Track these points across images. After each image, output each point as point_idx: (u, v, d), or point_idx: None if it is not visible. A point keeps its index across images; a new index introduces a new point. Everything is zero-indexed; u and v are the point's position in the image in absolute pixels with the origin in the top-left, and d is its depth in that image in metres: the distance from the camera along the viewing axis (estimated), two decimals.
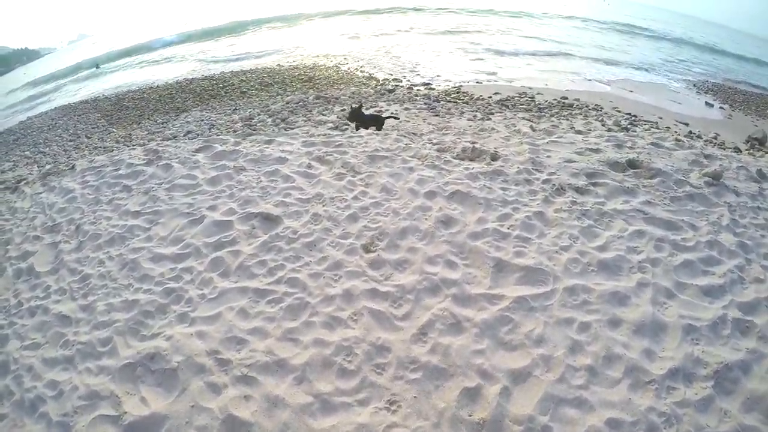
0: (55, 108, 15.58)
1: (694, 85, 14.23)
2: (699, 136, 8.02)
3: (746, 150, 7.78)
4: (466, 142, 6.49)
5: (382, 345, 3.52)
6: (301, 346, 3.58)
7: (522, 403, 3.08)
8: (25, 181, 8.02)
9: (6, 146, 11.29)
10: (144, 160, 6.94)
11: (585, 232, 4.57)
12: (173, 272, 4.56)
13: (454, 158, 6.08)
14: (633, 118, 8.01)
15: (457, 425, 2.95)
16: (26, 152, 10.00)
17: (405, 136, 6.81)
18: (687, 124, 8.37)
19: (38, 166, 8.64)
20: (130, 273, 4.70)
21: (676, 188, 5.29)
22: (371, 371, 3.35)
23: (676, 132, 7.95)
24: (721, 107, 11.20)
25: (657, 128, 6.88)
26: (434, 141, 6.61)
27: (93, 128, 10.39)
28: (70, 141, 9.75)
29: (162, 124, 8.91)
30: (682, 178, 5.48)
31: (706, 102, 11.60)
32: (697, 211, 4.93)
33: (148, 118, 9.91)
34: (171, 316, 4.06)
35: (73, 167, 7.69)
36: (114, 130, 9.57)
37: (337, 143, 6.72)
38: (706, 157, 6.20)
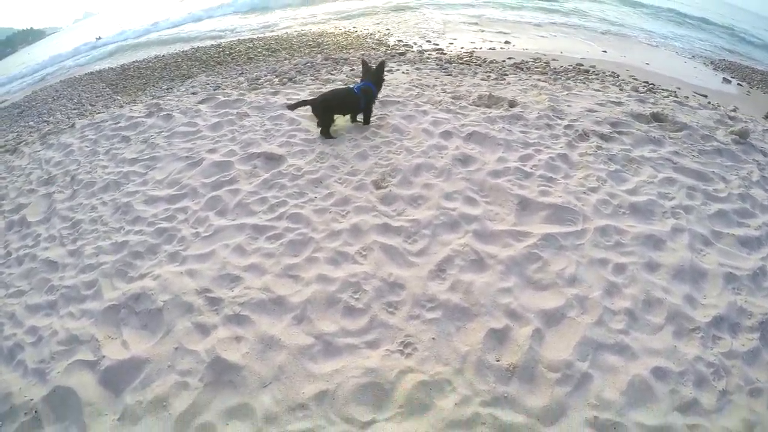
0: (60, 81, 15.12)
1: (711, 62, 13.34)
2: (718, 107, 7.50)
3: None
4: (482, 91, 5.90)
5: (394, 281, 2.97)
6: (302, 282, 3.06)
7: (557, 347, 2.56)
8: (24, 143, 7.64)
9: (10, 119, 10.94)
10: (145, 112, 6.45)
11: (613, 176, 4.09)
12: (167, 212, 4.08)
13: (470, 104, 5.51)
14: (651, 85, 7.47)
15: (483, 371, 2.42)
16: (30, 122, 9.69)
17: (417, 87, 6.22)
18: (705, 96, 7.78)
19: (39, 132, 8.25)
20: (122, 216, 4.24)
21: (703, 143, 4.84)
22: (382, 310, 2.81)
23: (696, 100, 7.45)
24: (739, 84, 10.49)
25: (676, 96, 6.28)
26: (448, 91, 6.03)
27: (97, 97, 10.02)
28: (74, 109, 9.40)
29: (167, 90, 8.50)
30: (709, 134, 5.02)
31: (723, 78, 10.83)
32: (726, 165, 4.49)
33: (153, 86, 9.52)
34: (161, 256, 3.58)
35: (72, 125, 7.27)
36: (118, 97, 9.17)
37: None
38: (731, 118, 5.74)
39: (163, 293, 3.12)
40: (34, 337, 3.19)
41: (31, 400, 2.66)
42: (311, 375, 2.48)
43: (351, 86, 4.99)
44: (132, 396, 2.56)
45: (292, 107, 4.99)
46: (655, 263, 3.17)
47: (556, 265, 3.08)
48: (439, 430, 2.17)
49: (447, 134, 4.68)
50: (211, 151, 4.87)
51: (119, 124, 6.28)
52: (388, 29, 12.86)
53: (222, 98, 6.32)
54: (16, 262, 4.18)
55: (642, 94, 6.49)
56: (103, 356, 2.81)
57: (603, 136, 4.75)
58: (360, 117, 5.07)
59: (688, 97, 7.64)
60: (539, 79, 6.70)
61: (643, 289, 2.94)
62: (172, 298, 3.06)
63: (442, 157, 4.27)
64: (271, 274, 3.15)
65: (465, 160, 4.25)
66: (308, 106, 4.97)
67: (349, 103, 4.88)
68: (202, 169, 4.54)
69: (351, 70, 7.53)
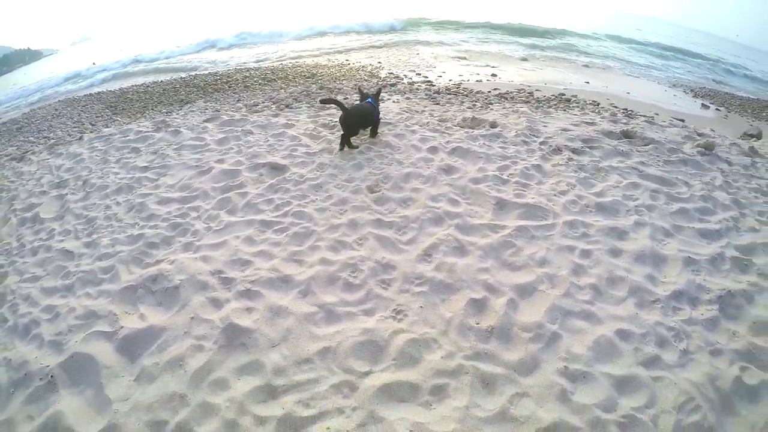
0: (59, 100, 15.37)
1: (691, 90, 13.99)
2: (687, 126, 7.89)
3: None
4: (466, 115, 6.49)
5: (387, 263, 3.41)
6: (306, 265, 3.46)
7: (529, 313, 2.97)
8: (31, 152, 7.92)
9: (9, 134, 11.01)
10: (153, 128, 6.88)
11: (582, 182, 4.57)
12: (180, 210, 4.46)
13: (455, 125, 6.07)
14: (630, 112, 7.95)
15: (465, 332, 2.82)
16: (30, 138, 9.82)
17: (407, 112, 6.79)
18: (683, 120, 8.19)
19: (45, 143, 8.52)
20: (136, 214, 4.59)
21: (669, 154, 5.29)
22: (377, 285, 3.22)
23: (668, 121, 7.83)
24: (717, 109, 10.92)
25: (648, 122, 6.86)
26: (435, 115, 6.60)
27: (97, 117, 10.24)
28: (74, 127, 9.58)
29: (166, 113, 8.81)
30: (675, 147, 5.49)
31: (702, 104, 11.43)
32: (690, 173, 4.92)
33: (152, 109, 9.79)
34: (176, 246, 3.94)
35: (80, 138, 7.63)
36: (118, 118, 9.43)
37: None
38: (699, 134, 6.24)
39: (179, 274, 3.45)
40: (51, 314, 3.44)
41: (47, 366, 2.89)
42: (315, 336, 2.85)
43: (368, 101, 5.55)
44: (149, 359, 2.84)
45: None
46: (618, 249, 3.58)
47: (528, 250, 3.52)
48: (428, 378, 2.54)
49: (433, 149, 5.20)
50: (219, 161, 5.31)
51: (128, 137, 6.68)
52: (379, 62, 13.46)
53: (226, 118, 6.80)
54: (30, 252, 4.45)
55: (616, 117, 7.01)
56: (121, 327, 3.10)
57: (575, 150, 5.26)
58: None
59: (659, 115, 8.19)
60: (521, 107, 7.26)
61: (607, 269, 3.33)
62: (187, 278, 3.40)
63: (428, 168, 4.78)
64: (278, 259, 3.55)
65: (449, 169, 4.75)
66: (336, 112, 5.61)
67: (369, 117, 5.43)
68: (212, 176, 4.96)
69: (345, 98, 8.04)
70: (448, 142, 5.38)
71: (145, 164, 5.65)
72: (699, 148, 5.47)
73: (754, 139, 7.37)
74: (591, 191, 4.39)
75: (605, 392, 2.43)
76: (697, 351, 2.72)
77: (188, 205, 4.52)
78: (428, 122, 6.11)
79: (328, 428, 2.31)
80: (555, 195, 4.29)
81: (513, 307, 3.00)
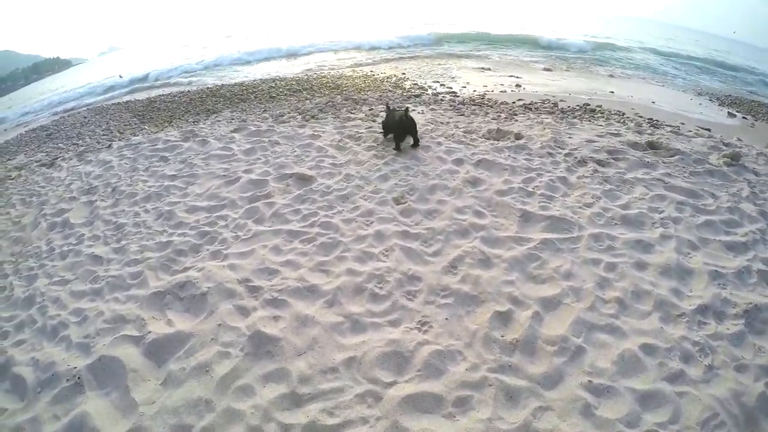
0: (87, 109, 15.72)
1: (717, 98, 13.52)
2: (713, 136, 7.70)
3: None
4: (491, 126, 6.46)
5: (413, 275, 3.39)
6: (333, 275, 3.47)
7: (554, 326, 2.92)
8: (61, 158, 8.11)
9: (39, 140, 11.23)
10: (181, 137, 7.00)
11: (607, 194, 4.48)
12: (208, 219, 4.52)
13: (480, 137, 6.05)
14: (655, 122, 7.77)
15: (490, 344, 2.79)
16: (59, 144, 9.98)
17: (432, 123, 6.79)
18: (709, 130, 7.94)
19: (75, 150, 8.70)
20: (165, 222, 4.66)
21: (695, 165, 5.16)
22: (402, 297, 3.21)
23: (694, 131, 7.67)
24: (744, 117, 10.53)
25: (674, 132, 6.73)
26: (460, 126, 6.58)
27: (125, 125, 10.40)
28: (103, 135, 9.72)
29: (193, 123, 8.93)
30: (701, 158, 5.37)
31: (728, 112, 11.10)
32: (716, 185, 4.78)
33: (180, 118, 9.91)
34: (204, 254, 3.98)
35: (110, 145, 7.80)
36: (146, 127, 9.57)
37: (367, 126, 6.73)
38: (726, 144, 6.07)
39: (207, 281, 3.49)
40: (79, 317, 3.50)
41: (75, 367, 2.93)
42: (341, 346, 2.84)
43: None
44: (176, 364, 2.86)
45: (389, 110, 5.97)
46: (644, 263, 3.50)
47: (554, 263, 3.47)
48: (452, 389, 2.52)
49: (459, 161, 5.18)
50: (247, 171, 5.37)
51: (157, 146, 6.81)
52: (403, 74, 13.43)
53: (253, 128, 6.90)
54: (60, 256, 4.54)
55: (641, 128, 6.84)
56: (149, 332, 3.13)
57: (600, 162, 5.18)
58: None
59: (684, 124, 7.99)
60: (545, 118, 7.20)
61: (632, 282, 3.27)
62: (215, 286, 3.43)
63: (454, 180, 4.76)
64: (305, 268, 3.56)
65: (474, 182, 4.73)
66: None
67: (412, 127, 5.63)
68: (240, 186, 5.02)
69: (370, 109, 8.07)
70: (473, 154, 5.36)
71: (174, 173, 5.74)
72: (725, 159, 5.33)
73: None
74: (616, 203, 4.32)
75: (629, 407, 2.39)
76: (722, 366, 2.64)
77: (216, 214, 4.57)
78: (453, 134, 6.10)
79: None
80: (580, 207, 4.23)
81: (538, 320, 2.96)
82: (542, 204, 4.28)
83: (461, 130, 6.32)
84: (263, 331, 2.95)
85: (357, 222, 4.12)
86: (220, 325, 3.09)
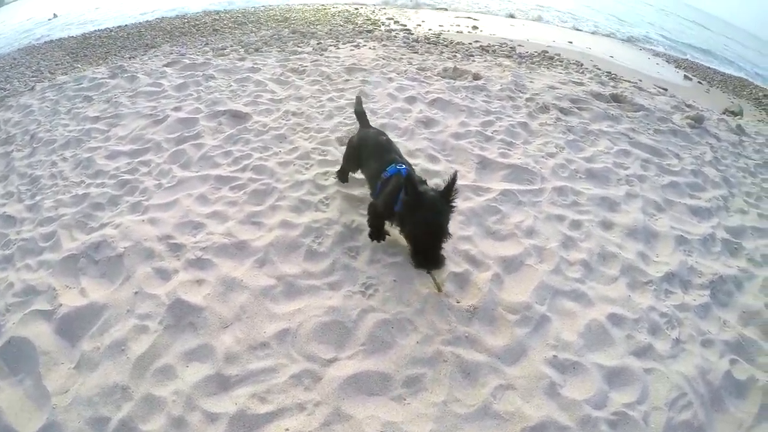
0: (17, 49, 13.84)
1: (675, 61, 13.28)
2: (675, 97, 7.46)
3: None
4: (447, 65, 5.78)
5: (356, 227, 2.86)
6: (265, 228, 2.90)
7: (516, 291, 2.51)
8: None
9: None
10: (108, 74, 6.02)
11: (571, 145, 4.11)
12: (129, 165, 3.81)
13: (435, 75, 5.40)
14: (614, 75, 7.40)
15: (444, 311, 2.34)
16: None
17: (383, 58, 6.03)
18: (666, 89, 7.74)
19: None
20: (83, 171, 3.93)
21: (659, 123, 4.92)
22: (344, 254, 2.69)
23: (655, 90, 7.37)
24: (699, 82, 10.44)
25: (637, 87, 6.35)
26: (414, 63, 5.89)
27: (57, 65, 9.25)
28: (33, 77, 8.65)
29: (129, 59, 7.92)
30: (665, 116, 5.12)
31: (684, 75, 10.83)
32: (680, 145, 4.59)
33: (115, 54, 8.87)
34: (123, 207, 3.33)
35: (32, 88, 6.73)
36: (79, 65, 8.51)
37: (313, 59, 5.91)
38: (688, 106, 5.89)
39: (124, 240, 2.88)
40: None
41: None
42: (273, 315, 2.35)
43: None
44: (89, 343, 2.34)
45: None
46: (610, 222, 3.19)
47: (515, 218, 3.05)
48: (401, 367, 2.09)
49: (411, 99, 4.57)
50: (176, 109, 4.59)
51: (81, 85, 5.85)
52: (356, 8, 12.43)
53: (188, 62, 5.98)
54: None
55: (602, 80, 6.55)
56: (60, 305, 2.56)
57: (563, 110, 4.75)
58: None
59: (642, 81, 7.68)
60: (503, 61, 6.62)
61: (598, 243, 2.94)
62: (132, 245, 2.84)
63: (406, 119, 4.16)
64: (233, 221, 2.98)
65: (428, 122, 4.16)
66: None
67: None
68: (167, 126, 4.27)
69: (318, 43, 7.25)
70: (427, 92, 4.74)
71: (97, 114, 4.89)
72: (689, 120, 5.13)
73: (738, 117, 7.07)
74: (580, 155, 3.94)
75: (596, 386, 2.06)
76: (688, 341, 2.43)
77: (138, 159, 3.86)
78: (406, 70, 5.42)
79: (287, 429, 1.86)
80: (543, 157, 3.79)
81: (498, 284, 2.53)
82: (502, 151, 3.80)
83: (415, 66, 5.66)
84: (184, 300, 2.42)
85: (295, 165, 3.51)
86: (136, 293, 2.54)
